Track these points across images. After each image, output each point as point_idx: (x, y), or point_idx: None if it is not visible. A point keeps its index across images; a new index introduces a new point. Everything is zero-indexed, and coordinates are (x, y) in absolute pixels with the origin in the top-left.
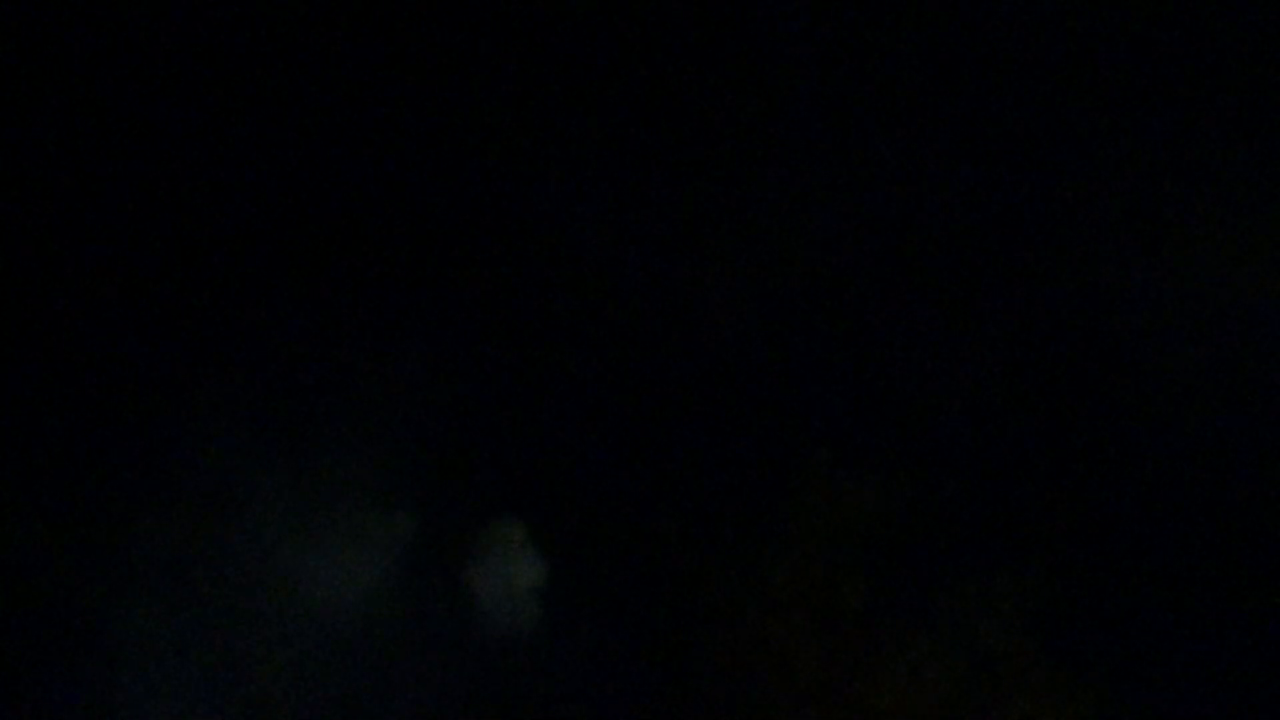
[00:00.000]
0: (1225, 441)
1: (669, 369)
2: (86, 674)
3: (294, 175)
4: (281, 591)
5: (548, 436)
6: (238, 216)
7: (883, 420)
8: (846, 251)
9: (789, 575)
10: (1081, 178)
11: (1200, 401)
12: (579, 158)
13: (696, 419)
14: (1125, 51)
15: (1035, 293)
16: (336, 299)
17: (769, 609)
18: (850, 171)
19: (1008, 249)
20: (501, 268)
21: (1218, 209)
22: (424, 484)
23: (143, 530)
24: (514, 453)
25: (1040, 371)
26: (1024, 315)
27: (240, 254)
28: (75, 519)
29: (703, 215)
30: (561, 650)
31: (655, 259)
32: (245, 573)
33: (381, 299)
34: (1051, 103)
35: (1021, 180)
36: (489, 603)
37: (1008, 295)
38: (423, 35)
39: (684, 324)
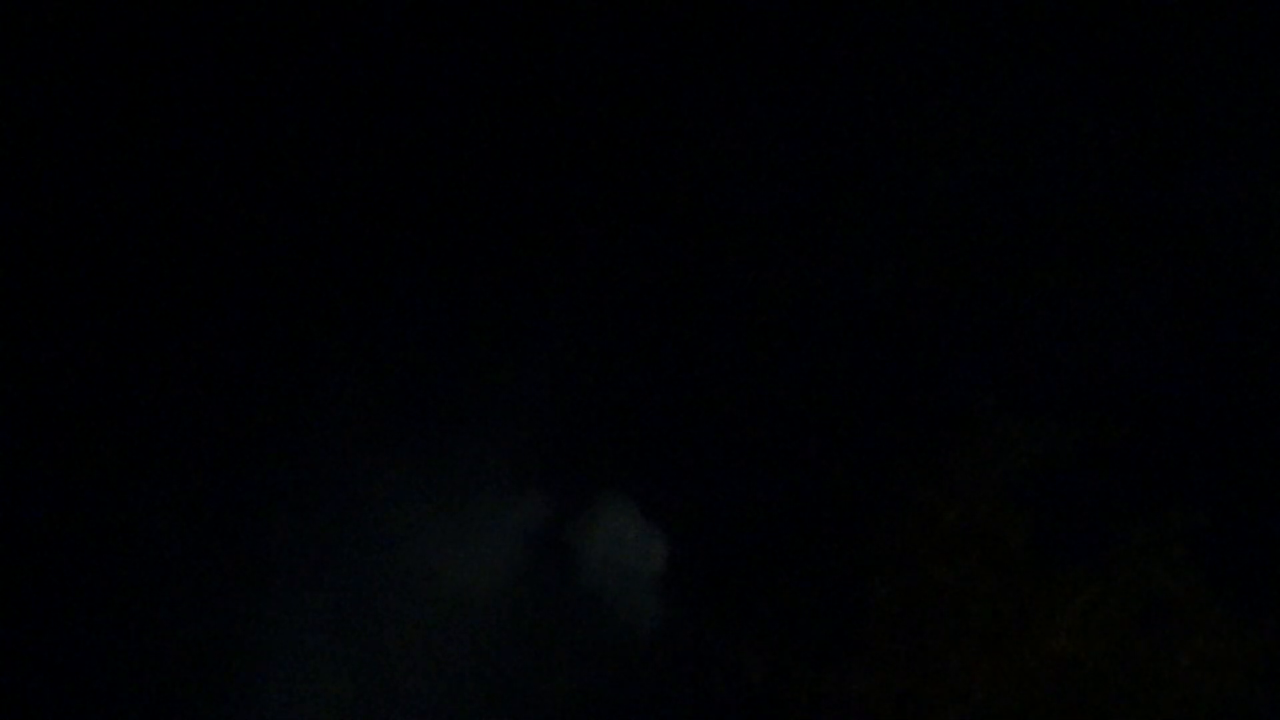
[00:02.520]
0: None
1: (833, 320)
2: (228, 668)
3: (418, 162)
4: (412, 579)
5: (698, 391)
6: (362, 208)
7: (1049, 363)
8: (1008, 192)
9: (957, 520)
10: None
11: None
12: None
13: (861, 367)
14: None
15: (1202, 228)
16: (459, 288)
17: (938, 555)
18: (1006, 112)
19: (1169, 181)
20: (625, 240)
21: None
22: (556, 466)
23: (278, 525)
24: (659, 415)
25: (1209, 310)
26: (1191, 251)
27: (366, 243)
28: (213, 516)
29: (849, 164)
30: (725, 610)
31: (806, 210)
32: (377, 562)
33: (504, 286)
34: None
35: (1188, 113)
36: (631, 568)
37: (1174, 232)
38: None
39: (848, 270)
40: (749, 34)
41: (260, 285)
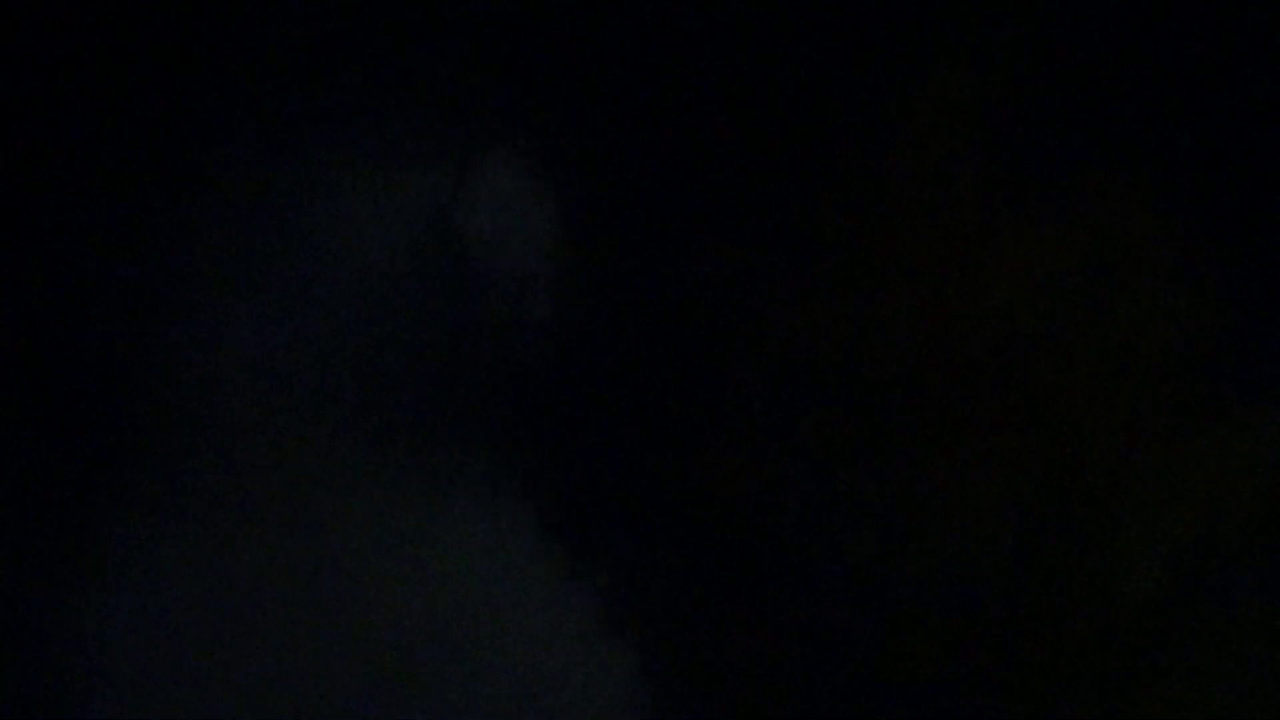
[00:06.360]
0: None
1: None
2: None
3: None
4: (326, 243)
5: None
6: None
7: (1007, 9)
8: None
9: (906, 159)
10: None
11: None
12: None
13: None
14: None
15: None
16: None
17: (884, 192)
18: None
19: None
20: None
21: None
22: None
23: (202, 212)
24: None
25: None
26: None
27: None
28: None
29: None
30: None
31: None
32: (292, 228)
33: None
34: None
35: None
36: (528, 228)
37: None
38: None
39: None
40: None
41: None
